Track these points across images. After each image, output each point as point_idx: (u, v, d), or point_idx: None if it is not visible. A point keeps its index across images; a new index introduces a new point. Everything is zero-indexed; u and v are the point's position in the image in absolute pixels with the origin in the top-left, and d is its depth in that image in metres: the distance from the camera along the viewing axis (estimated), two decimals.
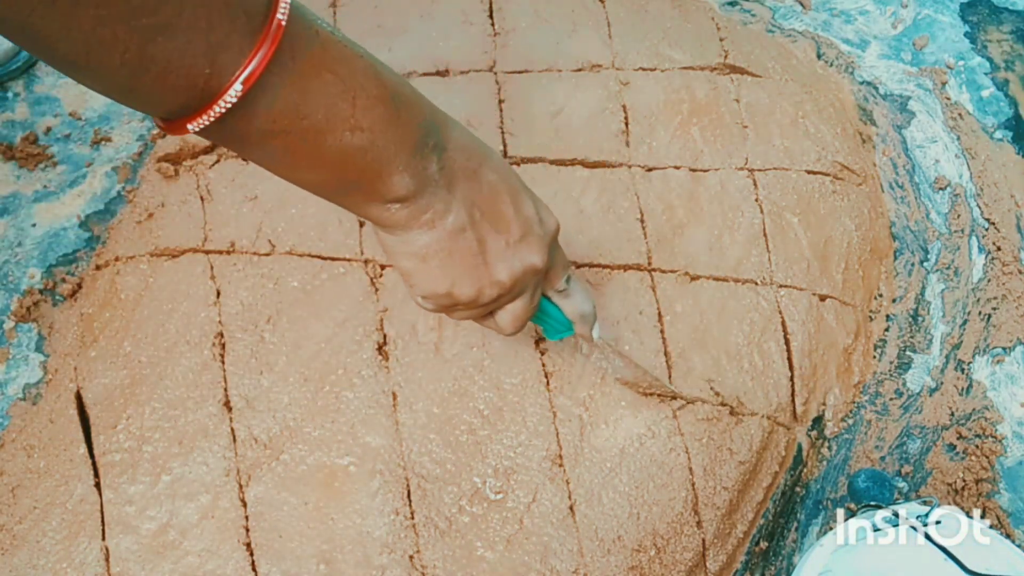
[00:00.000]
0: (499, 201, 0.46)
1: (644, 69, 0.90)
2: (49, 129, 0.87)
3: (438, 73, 0.87)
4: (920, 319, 0.86)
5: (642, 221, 0.80)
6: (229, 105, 0.34)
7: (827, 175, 0.87)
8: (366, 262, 0.76)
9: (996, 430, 0.79)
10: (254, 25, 0.34)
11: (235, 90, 0.34)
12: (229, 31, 0.33)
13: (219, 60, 0.33)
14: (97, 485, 0.66)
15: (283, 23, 0.34)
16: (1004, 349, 0.83)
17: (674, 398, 0.69)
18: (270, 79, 0.35)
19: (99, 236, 0.81)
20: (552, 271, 0.53)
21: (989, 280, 0.87)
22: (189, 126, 0.35)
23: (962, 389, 0.82)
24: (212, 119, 0.35)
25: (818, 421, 0.79)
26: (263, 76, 0.34)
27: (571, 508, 0.67)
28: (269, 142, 0.38)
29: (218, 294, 0.73)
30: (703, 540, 0.70)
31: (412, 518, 0.65)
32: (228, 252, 0.75)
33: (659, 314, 0.76)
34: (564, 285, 0.54)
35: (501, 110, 0.85)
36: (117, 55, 0.31)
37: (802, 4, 1.03)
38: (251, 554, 0.64)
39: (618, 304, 0.75)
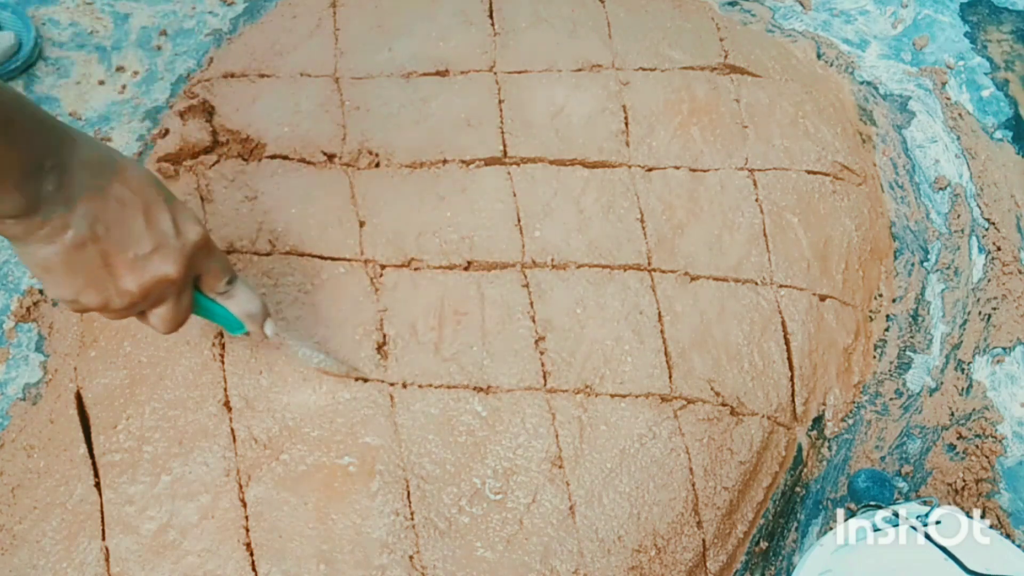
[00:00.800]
0: (128, 216, 0.49)
1: (644, 69, 0.90)
2: None
3: (438, 73, 0.87)
4: (920, 319, 0.86)
5: (642, 221, 0.80)
6: None
7: (827, 175, 0.87)
8: (366, 262, 0.76)
9: (996, 430, 0.79)
10: None
11: None
12: None
13: None
14: (97, 485, 0.66)
15: None
16: (1004, 349, 0.83)
17: (365, 380, 0.69)
18: None
19: None
20: (206, 276, 0.56)
21: (989, 280, 0.87)
22: None
23: (962, 389, 0.82)
24: None
25: (818, 421, 0.79)
26: None
27: (571, 509, 0.67)
28: None
29: None
30: (703, 540, 0.70)
31: (412, 519, 0.65)
32: (228, 252, 0.75)
33: (659, 314, 0.76)
34: (224, 288, 0.57)
35: (501, 110, 0.85)
36: None
37: (802, 4, 1.03)
38: (251, 554, 0.64)
39: (618, 304, 0.75)
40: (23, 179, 0.44)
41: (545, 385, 0.72)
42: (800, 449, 0.78)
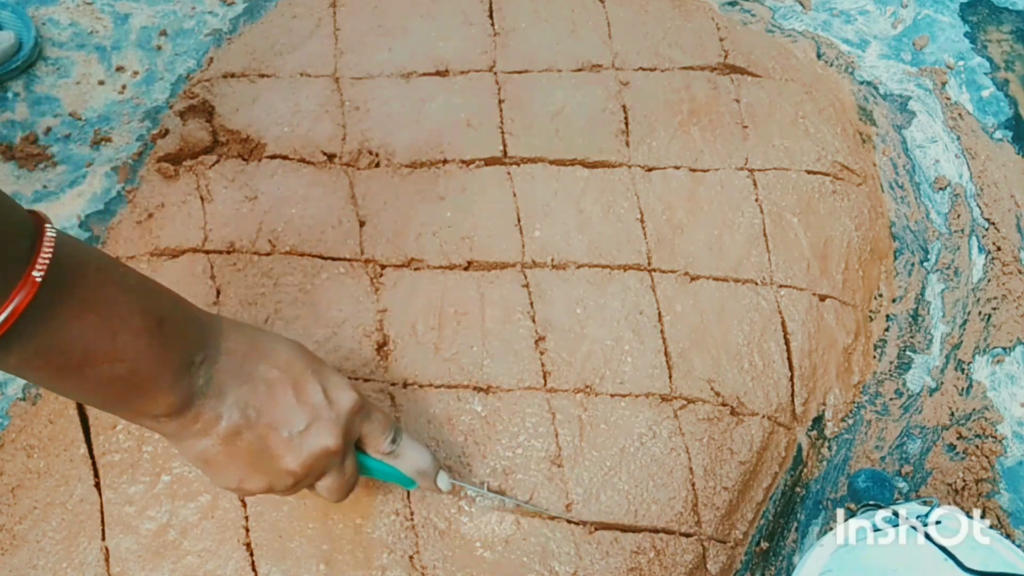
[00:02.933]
0: (278, 396, 0.48)
1: (644, 69, 0.90)
2: (49, 129, 0.87)
3: (438, 73, 0.87)
4: (920, 319, 0.86)
5: (642, 221, 0.80)
6: None
7: (827, 175, 0.87)
8: (366, 262, 0.76)
9: (996, 430, 0.79)
10: (5, 284, 0.36)
11: None
12: None
13: None
14: (97, 485, 0.66)
15: (38, 280, 0.36)
16: (1004, 349, 0.83)
17: (552, 518, 0.66)
18: (22, 328, 0.36)
19: (99, 236, 0.81)
20: (368, 438, 0.54)
21: (989, 280, 0.87)
22: None
23: (962, 389, 0.82)
24: None
25: (818, 421, 0.79)
26: (14, 327, 0.36)
27: (568, 508, 0.67)
28: (24, 372, 0.39)
29: (218, 293, 0.73)
30: (703, 541, 0.70)
31: (411, 518, 0.65)
32: (228, 252, 0.75)
33: (659, 314, 0.76)
34: (390, 447, 0.55)
35: (501, 110, 0.85)
36: None
37: (802, 4, 1.03)
38: (251, 554, 0.64)
39: (618, 304, 0.75)
40: (176, 378, 0.44)
41: (545, 385, 0.72)
42: (800, 449, 0.78)
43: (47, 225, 0.38)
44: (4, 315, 0.35)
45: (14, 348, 0.37)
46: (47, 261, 0.37)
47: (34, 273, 0.36)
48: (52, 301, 0.37)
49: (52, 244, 0.37)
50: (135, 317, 0.41)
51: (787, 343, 0.78)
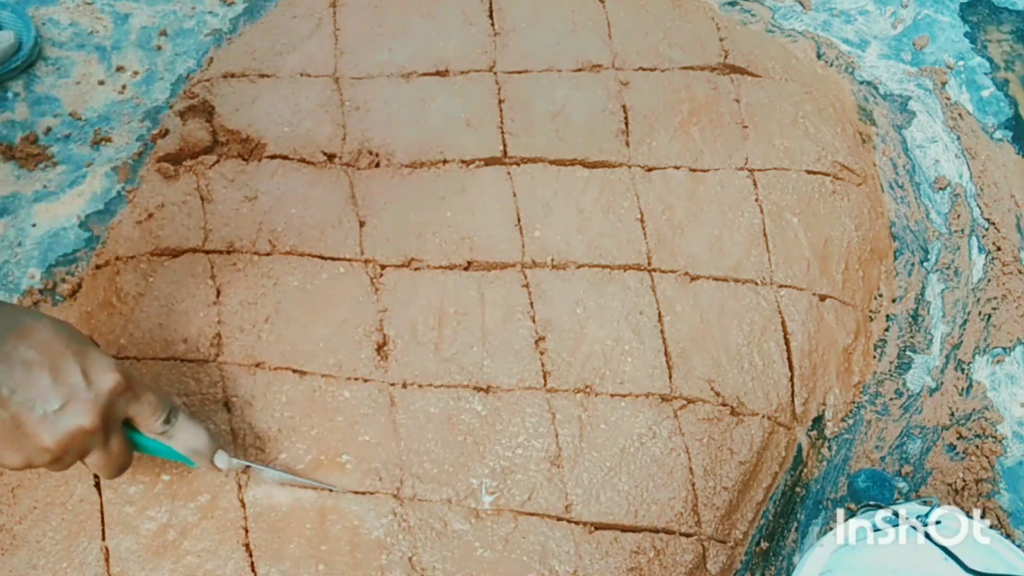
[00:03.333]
0: (34, 376, 0.50)
1: (644, 69, 0.90)
2: (49, 129, 0.87)
3: (438, 73, 0.87)
4: (920, 319, 0.86)
5: (642, 221, 0.80)
6: None
7: (827, 175, 0.87)
8: (366, 262, 0.76)
9: (996, 430, 0.79)
10: None
11: None
12: None
13: None
14: (97, 485, 0.66)
15: None
16: (1004, 349, 0.83)
17: (331, 491, 0.66)
18: None
19: (99, 236, 0.81)
20: (138, 419, 0.55)
21: (989, 280, 0.87)
22: None
23: (962, 389, 0.82)
24: None
25: (818, 421, 0.79)
26: None
27: (567, 508, 0.67)
28: None
29: (218, 293, 0.73)
30: (703, 541, 0.70)
31: (407, 519, 0.65)
32: (228, 252, 0.75)
33: (659, 314, 0.76)
34: (163, 428, 0.56)
35: (501, 110, 0.85)
36: None
37: (802, 4, 1.03)
38: (250, 554, 0.64)
39: (618, 304, 0.75)
40: None
41: (545, 385, 0.72)
42: (800, 449, 0.78)
43: None
44: None
45: None
46: None
47: None
48: None
49: None
50: None
51: (787, 343, 0.78)
